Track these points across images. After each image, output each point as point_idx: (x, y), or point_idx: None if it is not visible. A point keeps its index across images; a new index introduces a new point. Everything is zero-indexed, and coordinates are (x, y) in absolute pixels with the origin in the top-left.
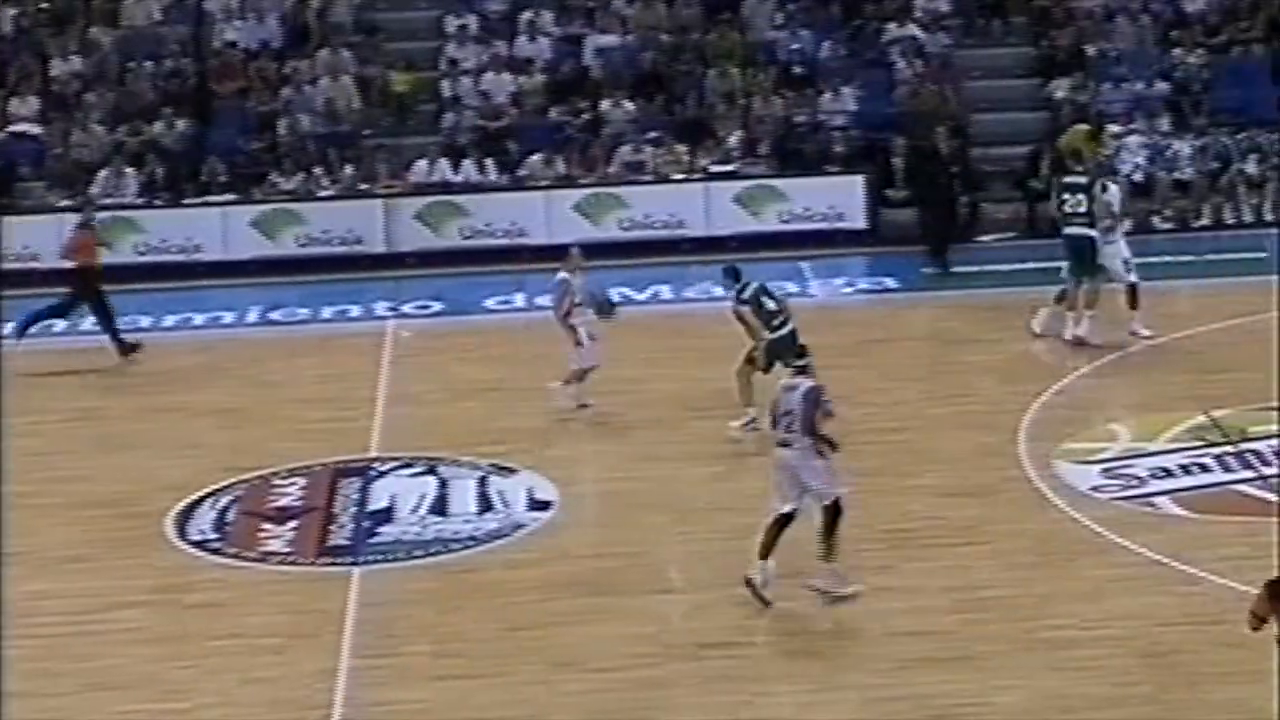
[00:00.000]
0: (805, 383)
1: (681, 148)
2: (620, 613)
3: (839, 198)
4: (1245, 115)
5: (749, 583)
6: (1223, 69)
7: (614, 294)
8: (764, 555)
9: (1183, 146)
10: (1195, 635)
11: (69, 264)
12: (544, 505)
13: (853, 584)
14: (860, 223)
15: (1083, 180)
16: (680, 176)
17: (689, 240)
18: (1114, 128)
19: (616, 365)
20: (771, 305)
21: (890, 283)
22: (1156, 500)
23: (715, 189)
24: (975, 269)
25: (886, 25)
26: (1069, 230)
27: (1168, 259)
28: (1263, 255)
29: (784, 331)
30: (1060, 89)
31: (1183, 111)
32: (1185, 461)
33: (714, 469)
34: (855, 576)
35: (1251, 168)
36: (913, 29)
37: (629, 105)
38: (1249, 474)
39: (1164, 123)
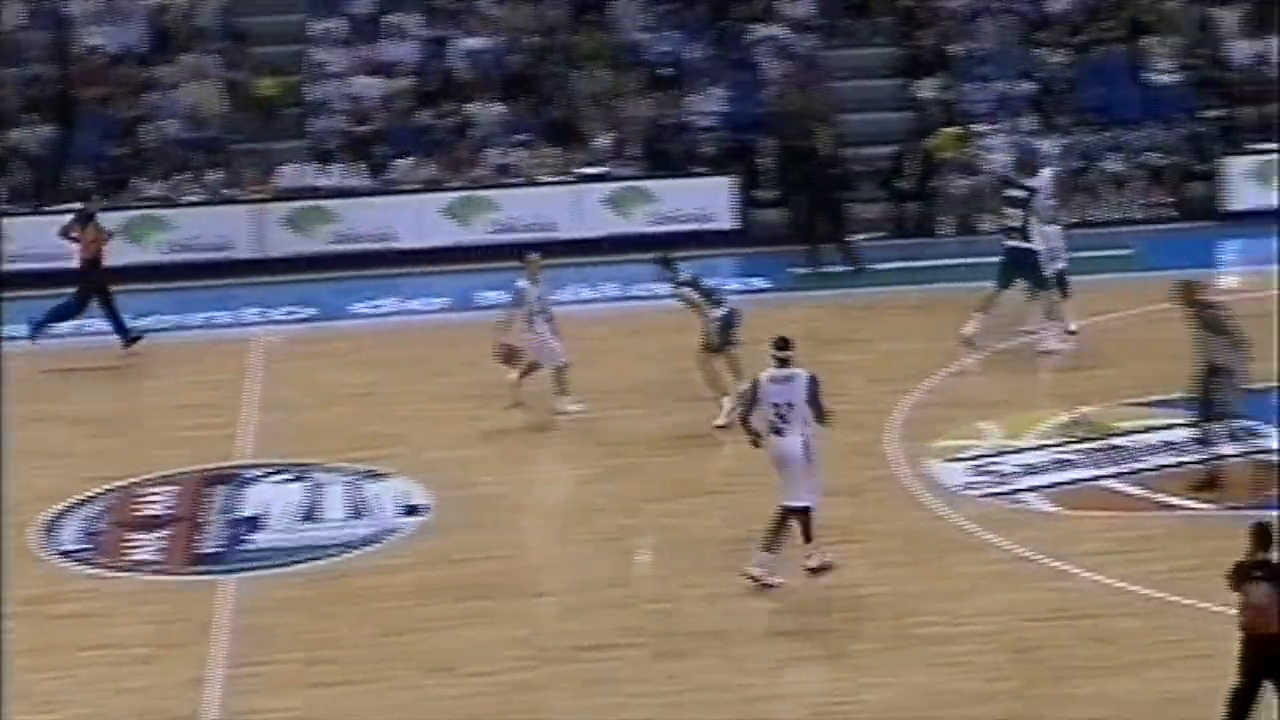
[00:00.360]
0: (801, 373)
1: (551, 150)
2: (494, 616)
3: (708, 198)
4: (1108, 114)
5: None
6: (1085, 68)
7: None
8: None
9: (1047, 145)
10: (1063, 630)
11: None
12: (416, 510)
13: (778, 576)
14: (729, 223)
15: (1021, 194)
16: (549, 179)
17: (559, 242)
18: (979, 127)
19: (488, 368)
20: (708, 284)
21: (759, 283)
22: (1025, 497)
23: (584, 191)
24: (843, 268)
25: (753, 26)
26: (1009, 244)
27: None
28: (1127, 253)
29: (725, 310)
30: (925, 89)
31: (1047, 110)
32: (1053, 458)
33: (589, 471)
34: (730, 578)
35: (1115, 165)
36: (778, 30)
37: (497, 107)
38: (1116, 469)
39: (1028, 122)
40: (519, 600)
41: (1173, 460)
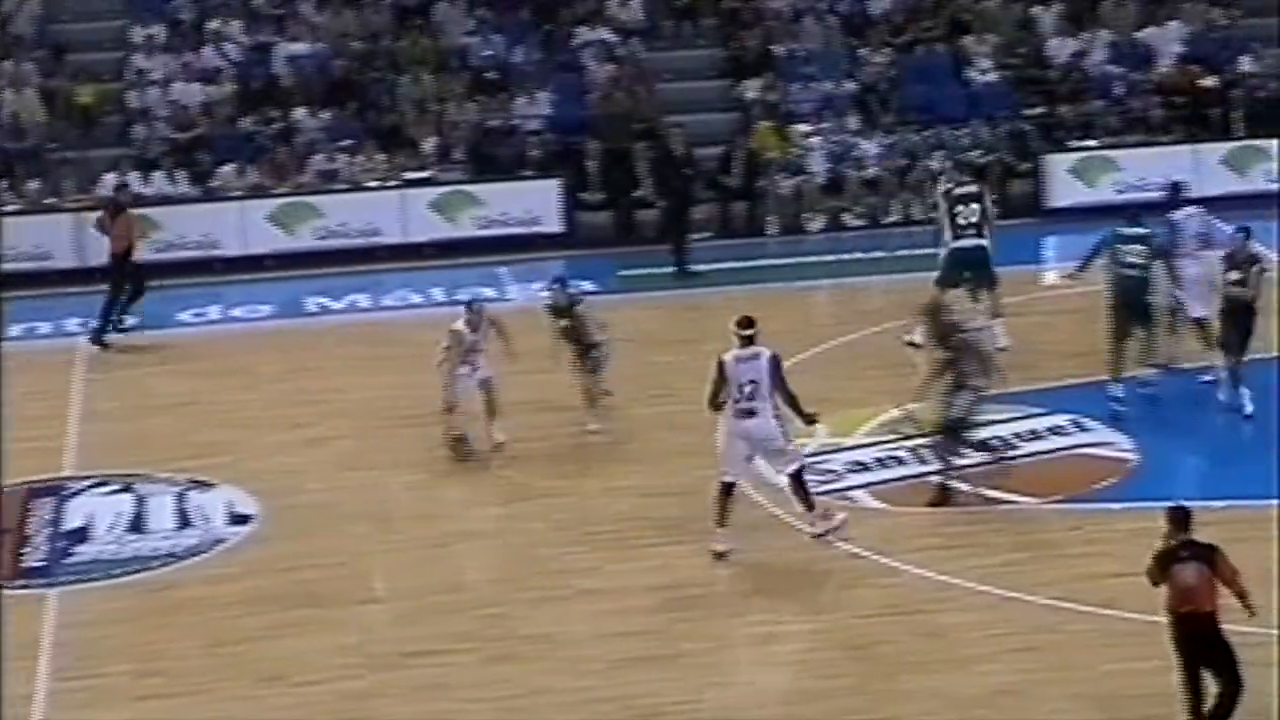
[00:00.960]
0: (765, 350)
1: (376, 155)
2: (324, 624)
3: (535, 202)
4: (931, 112)
5: (716, 555)
6: (908, 67)
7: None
8: (721, 523)
9: (871, 144)
10: (894, 626)
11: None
12: (244, 519)
13: (837, 515)
14: (556, 226)
15: (974, 189)
16: (375, 184)
17: (385, 248)
18: (803, 127)
19: (315, 375)
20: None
21: (588, 285)
22: (854, 494)
23: (411, 196)
24: (672, 269)
25: (578, 29)
26: (964, 243)
27: (859, 256)
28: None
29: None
30: (750, 90)
31: (870, 110)
32: (881, 455)
33: (416, 477)
34: (561, 580)
35: (937, 164)
36: (604, 33)
37: (321, 113)
38: (937, 466)
39: (852, 121)
40: (348, 608)
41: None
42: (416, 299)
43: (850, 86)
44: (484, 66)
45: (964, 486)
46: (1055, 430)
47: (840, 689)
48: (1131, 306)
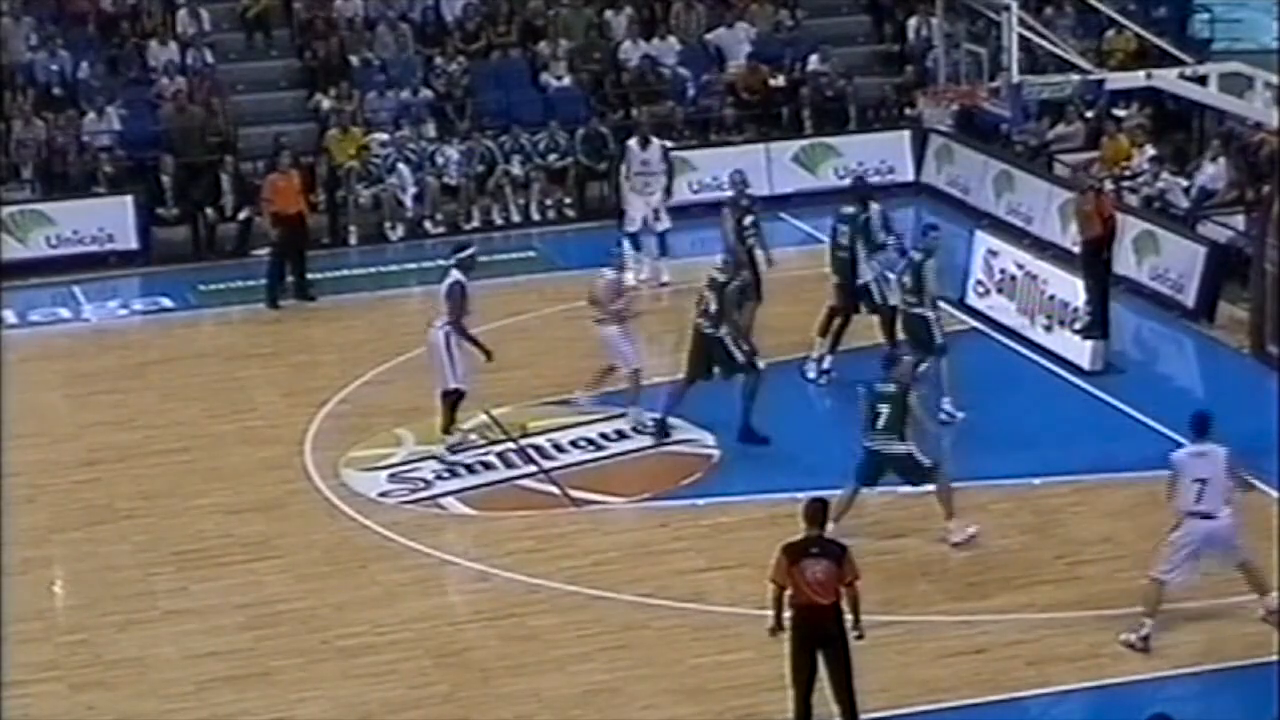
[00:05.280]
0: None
1: None
2: None
3: (109, 219)
4: (507, 117)
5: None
6: (483, 74)
7: None
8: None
9: (449, 151)
10: (486, 631)
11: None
12: None
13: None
14: (132, 243)
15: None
16: None
17: None
18: (381, 135)
19: None
20: None
21: (166, 302)
22: (444, 501)
23: None
24: (250, 284)
25: (148, 43)
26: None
27: (441, 262)
28: (532, 254)
29: None
30: (326, 100)
31: (447, 117)
32: (469, 461)
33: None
34: (147, 603)
35: (516, 169)
36: (174, 47)
37: None
38: (530, 469)
39: (430, 129)
40: None
41: (585, 457)
42: (38, 317)
43: (426, 94)
44: (50, 83)
45: (551, 489)
46: (639, 429)
47: (433, 696)
48: (842, 286)
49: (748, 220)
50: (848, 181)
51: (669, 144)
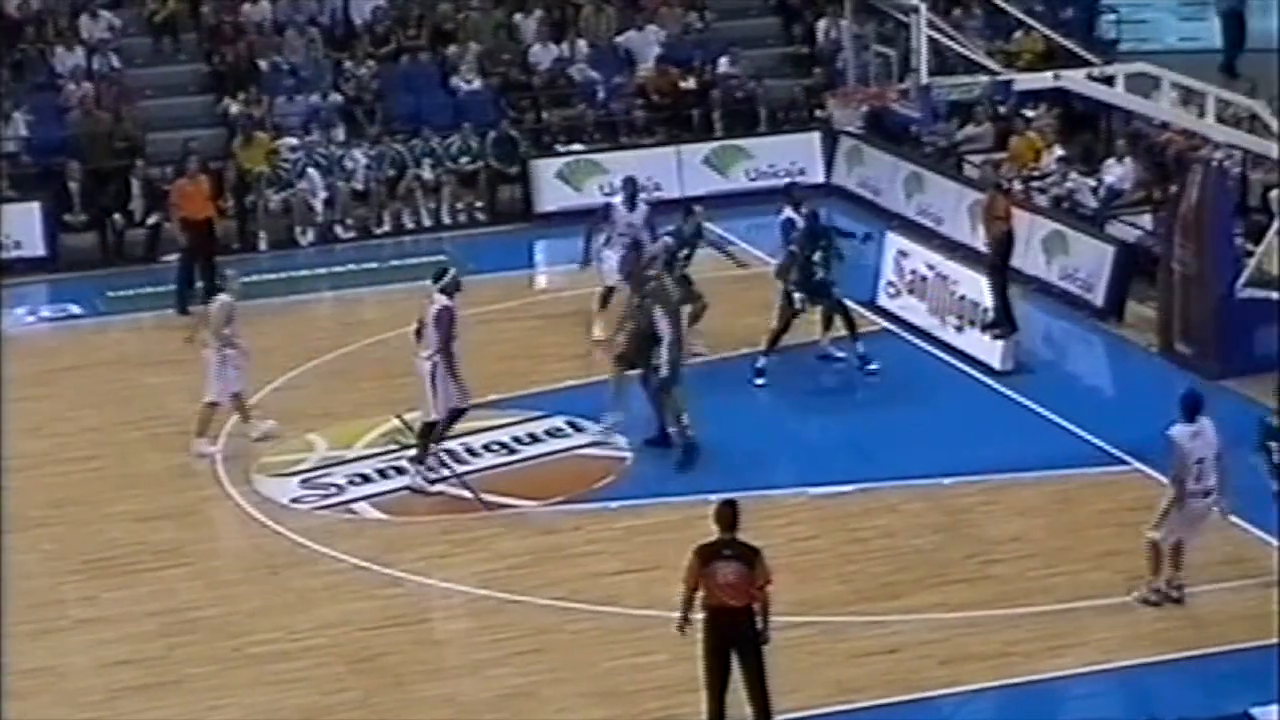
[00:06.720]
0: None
1: None
2: None
3: (16, 225)
4: (418, 121)
5: None
6: (393, 77)
7: None
8: None
9: (359, 155)
10: (400, 636)
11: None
12: None
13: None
14: (40, 250)
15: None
16: None
17: None
18: (290, 140)
19: None
20: None
21: (74, 309)
22: (356, 506)
23: None
24: (160, 289)
25: (54, 48)
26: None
27: (352, 267)
28: (443, 258)
29: None
30: (234, 104)
31: (357, 121)
32: (381, 466)
33: None
34: (58, 611)
35: (427, 173)
36: (81, 52)
37: None
38: (443, 473)
39: (339, 133)
40: None
41: (498, 460)
42: None
43: (336, 98)
44: None
45: (464, 493)
46: (553, 433)
47: (347, 702)
48: (800, 285)
49: (682, 253)
50: (759, 184)
51: (650, 204)
